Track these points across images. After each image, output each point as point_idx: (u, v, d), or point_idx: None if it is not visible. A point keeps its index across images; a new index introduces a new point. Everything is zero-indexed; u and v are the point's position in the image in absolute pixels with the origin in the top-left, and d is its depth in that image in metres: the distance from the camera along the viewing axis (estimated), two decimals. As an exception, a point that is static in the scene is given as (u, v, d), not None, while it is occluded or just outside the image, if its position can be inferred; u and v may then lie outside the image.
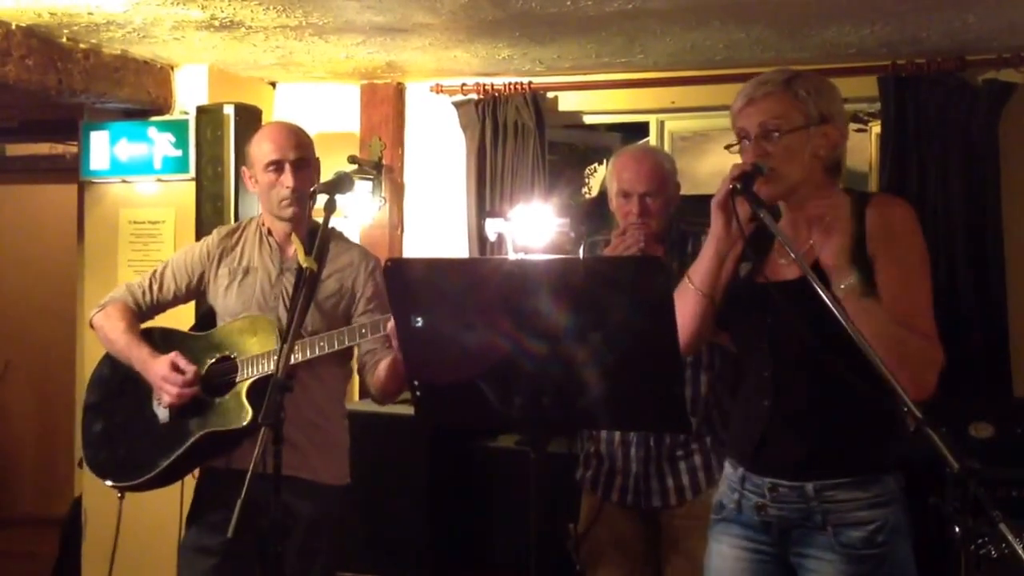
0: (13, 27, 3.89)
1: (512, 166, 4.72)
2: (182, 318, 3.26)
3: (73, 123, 4.90)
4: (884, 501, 2.26)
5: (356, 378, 5.02)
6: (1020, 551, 1.64)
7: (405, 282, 2.15)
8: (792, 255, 2.09)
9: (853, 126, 4.69)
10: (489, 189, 4.77)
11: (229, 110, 4.46)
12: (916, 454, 2.07)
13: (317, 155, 3.10)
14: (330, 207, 2.60)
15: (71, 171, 5.14)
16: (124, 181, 4.80)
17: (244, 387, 2.87)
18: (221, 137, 4.45)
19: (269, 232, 3.07)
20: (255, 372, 2.87)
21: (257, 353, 2.88)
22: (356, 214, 4.90)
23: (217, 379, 2.94)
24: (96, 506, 4.71)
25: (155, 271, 3.13)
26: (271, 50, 4.39)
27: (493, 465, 4.15)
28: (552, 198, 4.55)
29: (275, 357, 2.81)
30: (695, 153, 5.52)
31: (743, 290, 2.38)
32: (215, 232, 3.19)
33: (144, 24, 3.94)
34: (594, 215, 4.01)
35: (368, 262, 3.06)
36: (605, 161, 5.49)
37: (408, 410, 2.39)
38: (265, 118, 4.78)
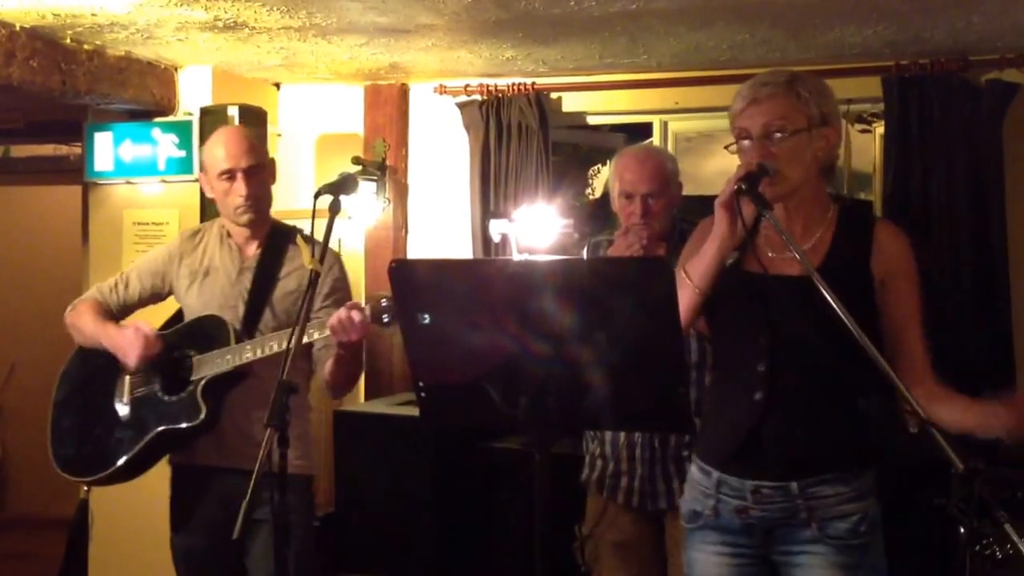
0: (17, 28, 3.90)
1: (516, 167, 4.72)
2: (155, 320, 3.29)
3: (77, 124, 4.91)
4: (864, 494, 2.32)
5: (362, 379, 5.05)
6: (1025, 551, 1.64)
7: (410, 283, 2.15)
8: (796, 254, 2.10)
9: (857, 127, 4.68)
10: (493, 190, 4.78)
11: (233, 111, 4.47)
12: (920, 455, 2.07)
13: (272, 156, 3.22)
14: (334, 208, 2.60)
15: (75, 172, 5.15)
16: (128, 182, 4.80)
17: (199, 385, 2.97)
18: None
19: (229, 234, 3.16)
20: (209, 371, 2.97)
21: (211, 352, 2.97)
22: (360, 215, 4.90)
23: (173, 372, 3.04)
24: (103, 508, 4.71)
25: (121, 273, 3.24)
26: (275, 51, 4.39)
27: (498, 466, 4.15)
28: (556, 199, 4.55)
29: (227, 356, 2.93)
30: (699, 154, 5.52)
31: (732, 279, 2.36)
32: (179, 234, 3.31)
33: (148, 25, 3.95)
34: (598, 216, 4.02)
35: (327, 260, 3.09)
36: (609, 162, 5.49)
37: (413, 411, 2.40)
38: (270, 119, 4.79)
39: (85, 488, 3.22)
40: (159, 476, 3.20)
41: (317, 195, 2.62)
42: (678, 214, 3.14)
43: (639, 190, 3.02)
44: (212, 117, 4.50)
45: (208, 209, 4.50)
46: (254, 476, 2.14)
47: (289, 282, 3.08)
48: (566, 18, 3.74)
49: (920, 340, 2.32)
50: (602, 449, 3.13)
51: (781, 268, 2.33)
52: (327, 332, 2.76)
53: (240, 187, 3.03)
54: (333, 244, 3.17)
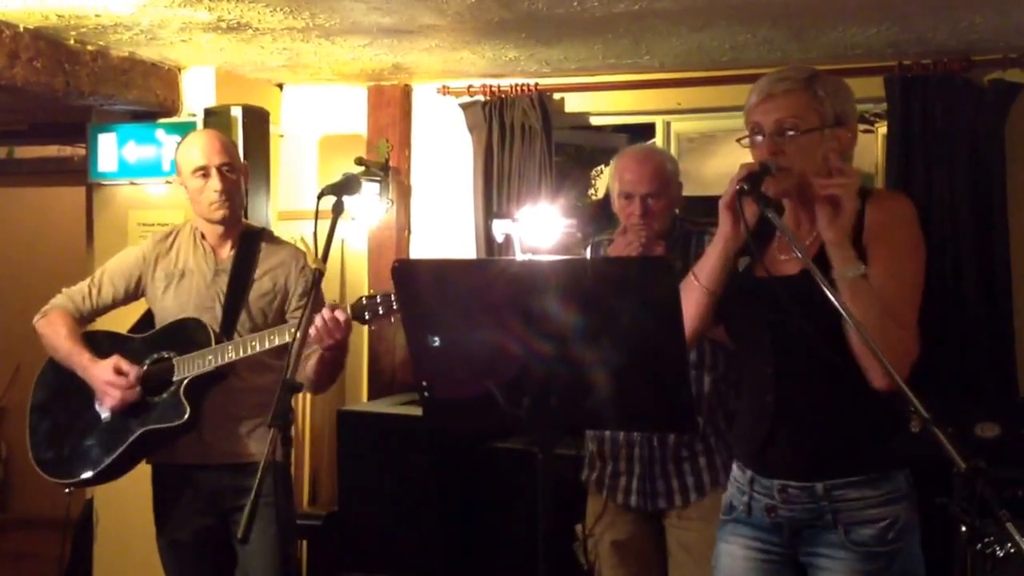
0: (21, 29, 3.91)
1: (519, 167, 4.73)
2: (121, 321, 3.34)
3: (81, 125, 4.92)
4: (895, 498, 2.25)
5: (364, 379, 5.06)
6: (1026, 550, 1.64)
7: (412, 284, 2.16)
8: (796, 251, 2.10)
9: (860, 127, 4.68)
10: (496, 190, 4.78)
11: (237, 112, 4.47)
12: (923, 454, 2.07)
13: (244, 162, 3.28)
14: (337, 209, 2.61)
15: (79, 173, 5.15)
16: (132, 183, 4.81)
17: (182, 386, 3.03)
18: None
19: (202, 236, 3.20)
20: (191, 371, 3.03)
21: (192, 353, 3.03)
22: (363, 216, 4.91)
23: (155, 379, 3.08)
24: (108, 508, 4.73)
25: (93, 277, 3.27)
26: (278, 52, 4.40)
27: (500, 466, 4.15)
28: (559, 199, 4.56)
29: (209, 356, 3.01)
30: (701, 154, 5.51)
31: (743, 284, 2.37)
32: (150, 237, 3.34)
33: (152, 26, 3.95)
34: (600, 216, 4.02)
35: (298, 260, 3.22)
36: (611, 162, 5.49)
37: (416, 411, 2.40)
38: (273, 120, 4.80)
39: (68, 491, 3.24)
40: (161, 476, 3.20)
41: (320, 196, 2.63)
42: (679, 214, 3.15)
43: (639, 190, 3.02)
44: (216, 118, 4.50)
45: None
46: (259, 474, 2.14)
47: (264, 283, 3.16)
48: (569, 19, 3.75)
49: (905, 304, 2.19)
50: (601, 449, 3.13)
51: (784, 268, 2.33)
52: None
53: (215, 182, 3.09)
54: (336, 244, 3.19)
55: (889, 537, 2.23)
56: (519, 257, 3.20)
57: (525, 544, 2.12)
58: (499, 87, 4.77)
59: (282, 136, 5.15)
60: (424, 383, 2.20)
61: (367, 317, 2.85)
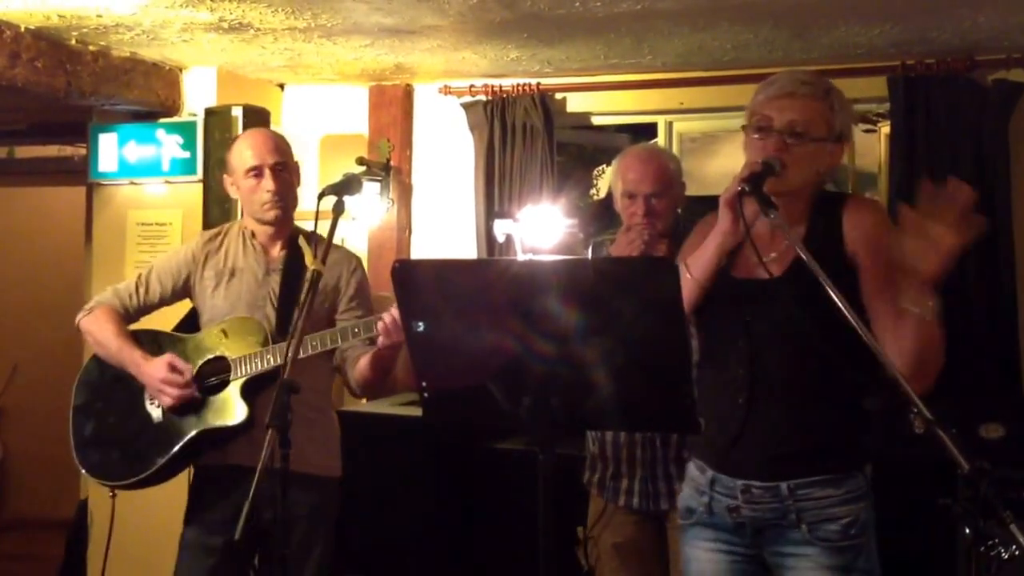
0: (22, 29, 3.90)
1: (520, 167, 4.72)
2: (161, 322, 3.28)
3: (82, 125, 4.92)
4: (856, 497, 2.30)
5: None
6: (1031, 552, 1.63)
7: (413, 284, 2.15)
8: (800, 252, 2.10)
9: (862, 127, 4.68)
10: (498, 190, 4.78)
11: (237, 112, 4.47)
12: (926, 455, 2.06)
13: (296, 160, 3.19)
14: (338, 209, 2.60)
15: (80, 173, 5.16)
16: (132, 183, 4.81)
17: (238, 385, 2.97)
18: (229, 139, 4.44)
19: (252, 235, 3.14)
20: (248, 371, 2.96)
21: (247, 353, 2.97)
22: (364, 216, 4.91)
23: (210, 378, 3.02)
24: (102, 509, 4.70)
25: (140, 275, 3.20)
26: (279, 52, 4.40)
27: (500, 466, 4.14)
28: (560, 199, 4.55)
29: (267, 356, 2.93)
30: (703, 154, 5.51)
31: (718, 283, 2.37)
32: (199, 236, 3.28)
33: (153, 26, 3.95)
34: (602, 216, 4.01)
35: (351, 262, 3.16)
36: (613, 162, 5.49)
37: (416, 411, 2.39)
38: (273, 120, 4.79)
39: (112, 495, 3.18)
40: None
41: (321, 196, 2.63)
42: (681, 214, 3.14)
43: (642, 190, 3.02)
44: (216, 118, 4.51)
45: (212, 210, 4.51)
46: (256, 476, 2.13)
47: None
48: (571, 19, 3.74)
49: (890, 316, 2.22)
50: (602, 451, 3.12)
51: (760, 271, 2.32)
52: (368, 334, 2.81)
53: (268, 183, 3.03)
54: (336, 244, 3.16)
55: (852, 532, 2.28)
56: (520, 257, 3.19)
57: (526, 545, 2.11)
58: (501, 87, 4.76)
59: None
60: (424, 383, 2.19)
61: None
